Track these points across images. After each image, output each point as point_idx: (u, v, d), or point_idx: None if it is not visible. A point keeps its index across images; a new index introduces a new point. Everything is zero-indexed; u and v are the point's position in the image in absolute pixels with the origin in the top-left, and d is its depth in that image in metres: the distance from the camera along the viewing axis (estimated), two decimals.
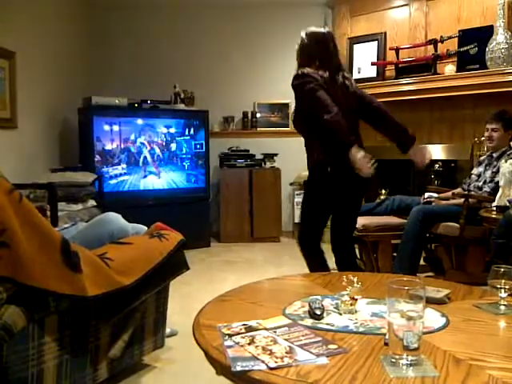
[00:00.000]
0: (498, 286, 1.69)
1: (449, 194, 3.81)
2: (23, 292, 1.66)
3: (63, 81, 5.01)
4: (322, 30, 2.98)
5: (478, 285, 2.07)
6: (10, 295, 1.64)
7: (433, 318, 1.60)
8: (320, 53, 2.84)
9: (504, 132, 3.58)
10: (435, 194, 3.87)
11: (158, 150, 5.21)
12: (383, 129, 2.99)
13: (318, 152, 2.82)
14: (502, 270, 1.69)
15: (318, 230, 2.93)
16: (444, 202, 3.74)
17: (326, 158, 2.78)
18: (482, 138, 3.94)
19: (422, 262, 3.73)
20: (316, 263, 2.90)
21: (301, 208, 3.06)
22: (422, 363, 1.24)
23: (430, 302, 1.67)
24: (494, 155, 3.65)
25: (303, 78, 2.72)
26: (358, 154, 2.54)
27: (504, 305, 1.68)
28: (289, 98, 2.96)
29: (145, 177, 5.14)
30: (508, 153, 3.53)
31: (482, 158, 3.86)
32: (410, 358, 1.22)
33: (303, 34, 2.91)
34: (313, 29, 2.93)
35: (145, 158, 5.13)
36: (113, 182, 4.94)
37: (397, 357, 1.23)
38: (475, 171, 3.80)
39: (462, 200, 3.45)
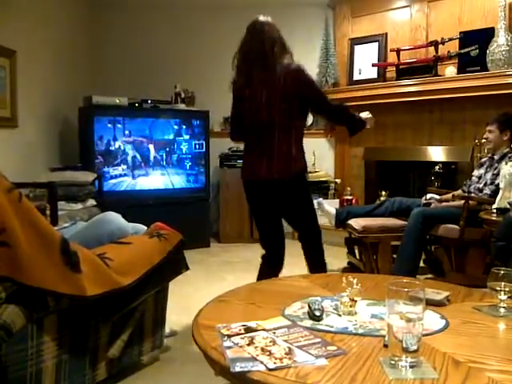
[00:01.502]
0: (498, 289, 1.69)
1: (449, 195, 3.81)
2: (22, 291, 1.66)
3: (64, 80, 5.01)
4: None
5: (477, 287, 2.06)
6: (9, 295, 1.64)
7: (432, 319, 1.60)
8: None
9: (500, 133, 3.59)
10: (437, 196, 3.87)
11: (158, 150, 5.20)
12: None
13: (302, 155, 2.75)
14: (502, 272, 1.69)
15: (269, 239, 3.05)
16: (444, 203, 3.74)
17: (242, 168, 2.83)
18: (483, 140, 3.95)
19: (421, 264, 3.73)
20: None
21: (311, 212, 2.87)
22: (422, 365, 1.23)
23: (430, 303, 1.67)
24: (495, 157, 3.65)
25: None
26: None
27: (504, 307, 1.68)
28: None
29: (145, 176, 5.14)
30: (509, 155, 3.53)
31: (483, 159, 3.87)
32: (409, 359, 1.22)
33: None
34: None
35: (145, 157, 5.13)
36: (113, 181, 4.94)
37: (396, 359, 1.23)
38: (476, 173, 3.80)
39: (462, 202, 3.45)
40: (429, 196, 3.87)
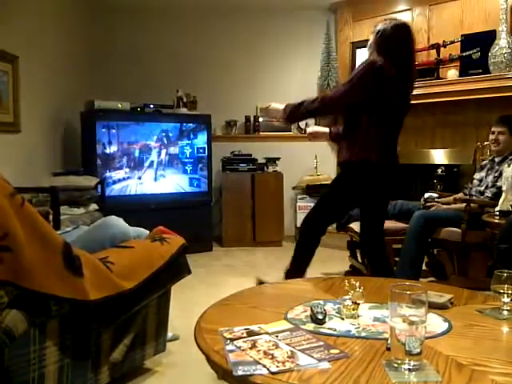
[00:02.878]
0: (501, 291, 1.68)
1: (450, 198, 3.81)
2: (25, 296, 1.66)
3: (66, 85, 5.02)
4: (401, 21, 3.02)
5: (480, 290, 2.06)
6: (11, 299, 1.63)
7: (435, 322, 1.59)
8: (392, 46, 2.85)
9: (510, 136, 3.59)
10: (435, 194, 3.87)
11: (160, 154, 5.21)
12: None
13: (363, 147, 2.81)
14: (505, 274, 1.68)
15: (329, 224, 3.08)
16: (445, 206, 3.74)
17: (371, 155, 2.82)
18: (486, 143, 3.94)
19: (424, 267, 3.71)
20: (310, 254, 2.97)
21: (323, 200, 3.01)
22: (425, 368, 1.23)
23: (433, 306, 1.66)
24: (496, 160, 3.64)
25: (373, 67, 2.75)
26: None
27: (507, 310, 1.67)
28: (291, 101, 2.93)
29: (147, 181, 5.15)
30: (511, 157, 3.53)
31: (484, 162, 3.86)
32: (412, 362, 1.21)
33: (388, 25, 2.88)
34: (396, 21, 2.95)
35: (147, 162, 5.14)
36: (115, 186, 4.94)
37: (399, 362, 1.23)
38: (477, 176, 3.80)
39: (464, 205, 3.44)
40: (427, 195, 3.87)
